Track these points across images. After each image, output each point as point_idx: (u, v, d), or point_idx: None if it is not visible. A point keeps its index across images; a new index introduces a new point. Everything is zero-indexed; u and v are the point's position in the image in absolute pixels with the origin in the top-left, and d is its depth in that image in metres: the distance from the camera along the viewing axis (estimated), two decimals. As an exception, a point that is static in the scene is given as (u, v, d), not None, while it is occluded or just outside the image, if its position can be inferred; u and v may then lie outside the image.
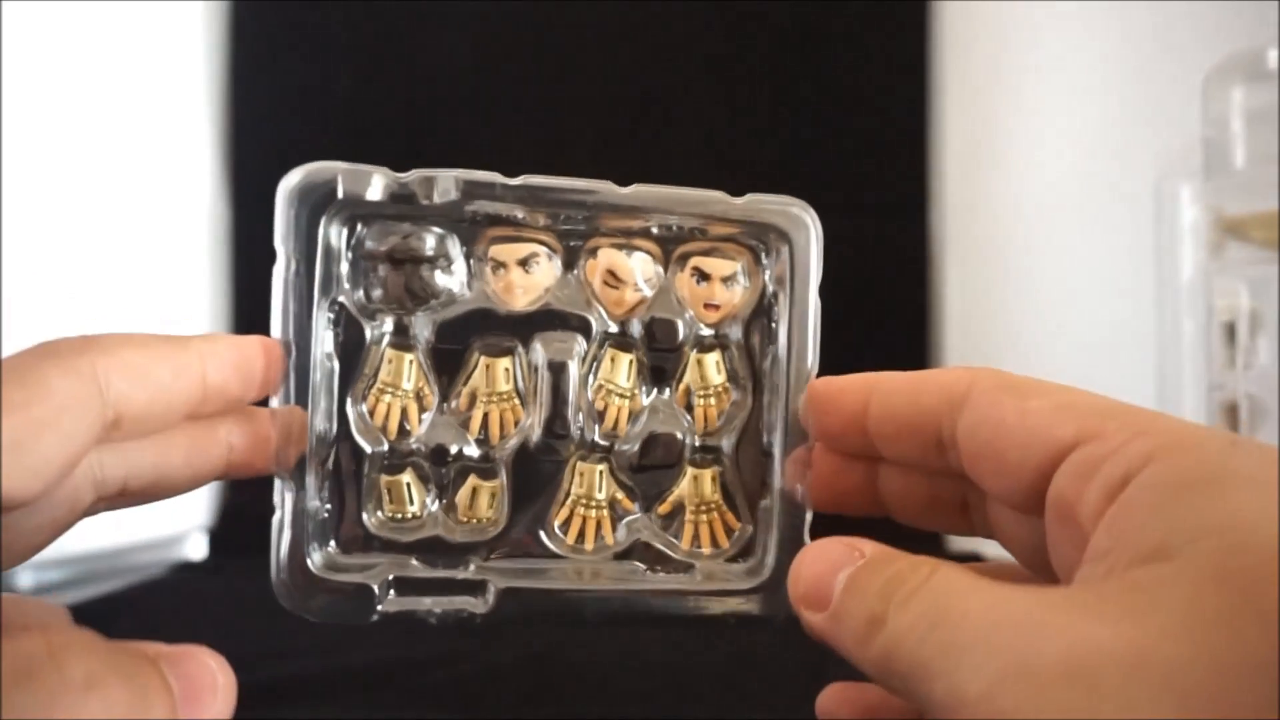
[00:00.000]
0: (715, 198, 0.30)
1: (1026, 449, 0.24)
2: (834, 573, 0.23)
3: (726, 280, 0.30)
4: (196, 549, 0.69)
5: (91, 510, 0.28)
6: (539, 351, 0.31)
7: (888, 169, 0.69)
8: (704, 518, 0.31)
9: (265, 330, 0.29)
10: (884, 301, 0.68)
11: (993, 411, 0.25)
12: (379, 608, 0.29)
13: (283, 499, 0.29)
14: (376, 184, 0.29)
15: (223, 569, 0.65)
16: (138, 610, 0.54)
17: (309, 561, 0.29)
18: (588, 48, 0.68)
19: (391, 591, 0.29)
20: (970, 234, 0.70)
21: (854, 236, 0.68)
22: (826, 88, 0.69)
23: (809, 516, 0.30)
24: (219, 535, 0.69)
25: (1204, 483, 0.20)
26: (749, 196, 0.30)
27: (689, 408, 0.31)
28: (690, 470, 0.31)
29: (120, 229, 0.67)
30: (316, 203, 0.29)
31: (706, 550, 0.31)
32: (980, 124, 0.70)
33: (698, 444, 0.31)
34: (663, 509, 0.31)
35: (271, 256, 0.29)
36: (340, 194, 0.28)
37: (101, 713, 0.19)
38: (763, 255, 0.31)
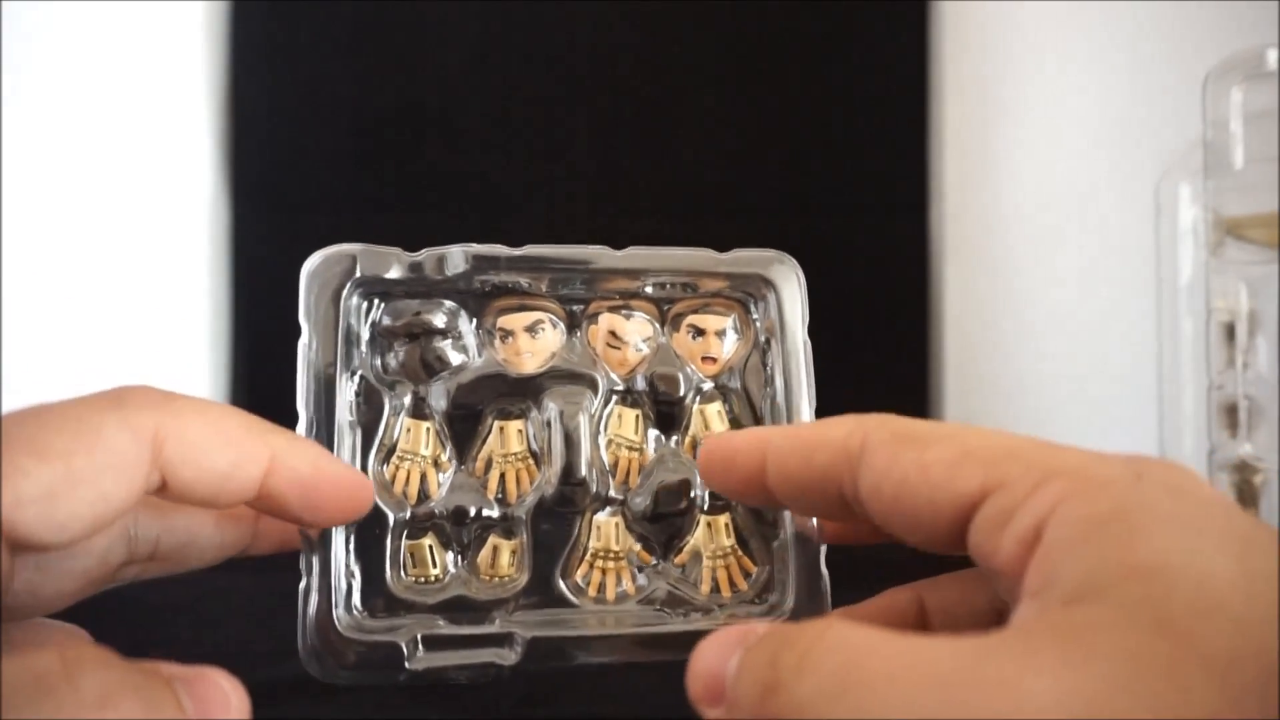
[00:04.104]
0: (703, 255, 0.31)
1: (935, 506, 0.23)
2: (726, 660, 0.21)
3: (720, 334, 0.32)
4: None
5: (122, 574, 0.28)
6: (550, 407, 0.31)
7: (887, 169, 0.69)
8: (720, 563, 0.31)
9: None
10: (883, 302, 0.68)
11: (893, 469, 0.23)
12: (407, 665, 0.29)
13: (310, 566, 0.29)
14: (391, 263, 0.30)
15: (224, 568, 0.65)
16: (139, 608, 0.53)
17: (336, 626, 0.29)
18: (588, 43, 0.68)
19: (420, 649, 0.29)
20: (970, 234, 0.70)
21: (854, 237, 0.68)
22: (826, 88, 0.69)
23: (823, 549, 0.30)
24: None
25: (1117, 519, 0.20)
26: (734, 252, 0.31)
27: (696, 458, 0.31)
28: (703, 519, 0.31)
29: (119, 230, 0.67)
30: (336, 281, 0.30)
31: (726, 595, 0.31)
32: (980, 124, 0.70)
33: (708, 492, 0.32)
34: (679, 559, 0.31)
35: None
36: (358, 273, 0.30)
37: None
38: (752, 306, 0.32)
